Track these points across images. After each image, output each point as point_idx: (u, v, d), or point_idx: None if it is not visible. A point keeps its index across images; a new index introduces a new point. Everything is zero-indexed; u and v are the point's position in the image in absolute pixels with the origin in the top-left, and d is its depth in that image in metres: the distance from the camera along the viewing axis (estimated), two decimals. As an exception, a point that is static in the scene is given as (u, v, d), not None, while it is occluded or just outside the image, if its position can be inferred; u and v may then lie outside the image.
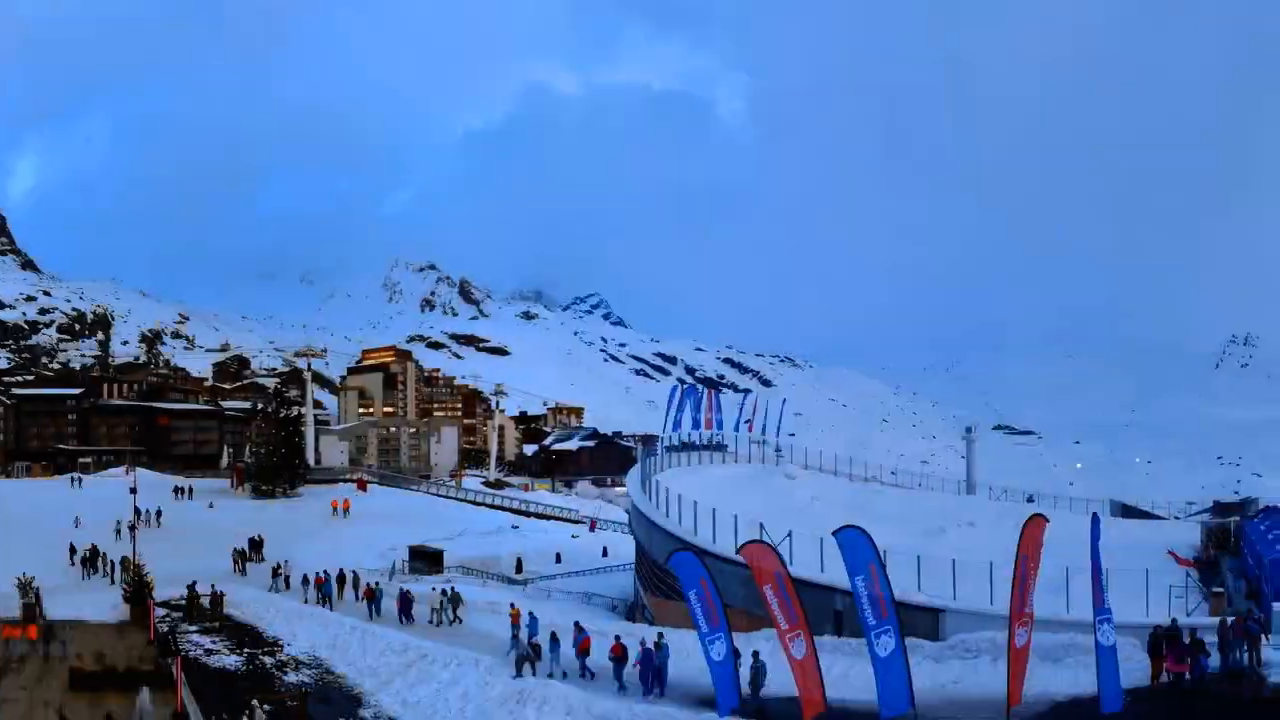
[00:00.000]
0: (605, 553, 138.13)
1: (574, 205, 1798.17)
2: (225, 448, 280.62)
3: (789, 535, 62.01)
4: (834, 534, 43.58)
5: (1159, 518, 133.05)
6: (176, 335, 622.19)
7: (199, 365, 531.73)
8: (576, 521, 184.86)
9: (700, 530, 69.82)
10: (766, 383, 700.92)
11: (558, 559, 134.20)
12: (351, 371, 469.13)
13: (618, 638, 56.12)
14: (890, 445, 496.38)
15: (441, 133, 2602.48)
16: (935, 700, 48.29)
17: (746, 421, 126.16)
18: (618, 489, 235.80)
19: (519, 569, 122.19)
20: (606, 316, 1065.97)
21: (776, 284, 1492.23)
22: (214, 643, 65.74)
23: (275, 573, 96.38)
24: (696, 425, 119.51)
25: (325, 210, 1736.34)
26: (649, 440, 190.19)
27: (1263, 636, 48.96)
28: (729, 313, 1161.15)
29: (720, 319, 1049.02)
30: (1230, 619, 51.07)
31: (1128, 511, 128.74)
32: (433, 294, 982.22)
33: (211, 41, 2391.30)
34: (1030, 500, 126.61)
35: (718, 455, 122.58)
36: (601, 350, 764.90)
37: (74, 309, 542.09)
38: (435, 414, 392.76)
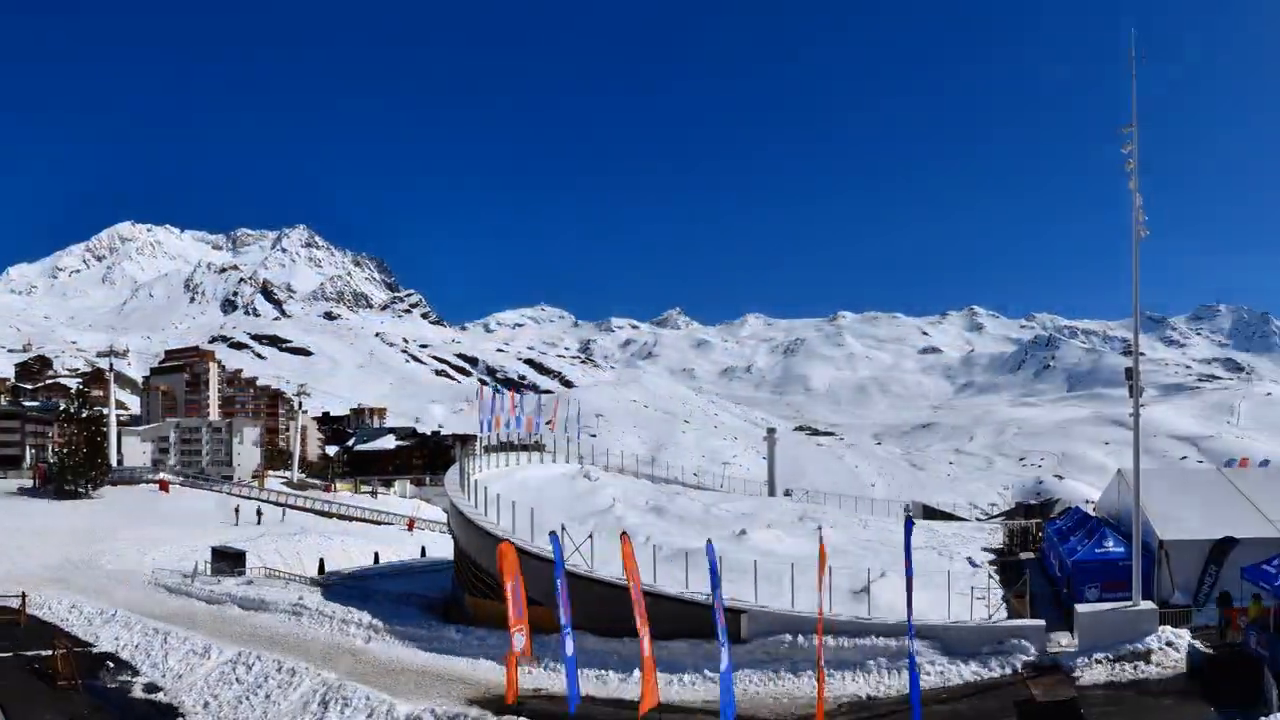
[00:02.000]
0: (424, 552, 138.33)
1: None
2: (28, 448, 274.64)
3: (590, 536, 62.24)
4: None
5: (961, 519, 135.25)
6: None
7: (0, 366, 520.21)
8: (387, 523, 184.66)
9: (518, 529, 69.70)
10: (568, 383, 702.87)
11: (375, 559, 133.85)
12: (155, 372, 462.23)
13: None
14: (692, 446, 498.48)
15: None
16: (742, 703, 48.62)
17: (548, 422, 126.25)
18: (434, 488, 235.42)
19: (320, 569, 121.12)
20: (425, 316, 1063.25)
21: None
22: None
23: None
24: (508, 425, 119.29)
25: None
26: (466, 440, 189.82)
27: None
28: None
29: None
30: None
31: (929, 513, 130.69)
32: (235, 294, 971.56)
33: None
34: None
35: (524, 456, 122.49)
36: (403, 352, 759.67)
37: None
38: (238, 414, 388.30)
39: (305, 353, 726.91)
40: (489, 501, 75.39)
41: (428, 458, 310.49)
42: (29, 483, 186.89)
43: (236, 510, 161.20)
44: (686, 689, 53.17)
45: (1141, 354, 61.46)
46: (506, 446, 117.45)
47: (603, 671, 55.84)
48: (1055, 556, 75.05)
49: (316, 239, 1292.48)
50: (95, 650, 63.03)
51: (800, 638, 54.74)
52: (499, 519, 71.97)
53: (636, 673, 52.58)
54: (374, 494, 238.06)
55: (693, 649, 55.85)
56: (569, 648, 45.18)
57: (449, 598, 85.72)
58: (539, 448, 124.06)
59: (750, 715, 48.11)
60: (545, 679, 55.44)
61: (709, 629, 52.77)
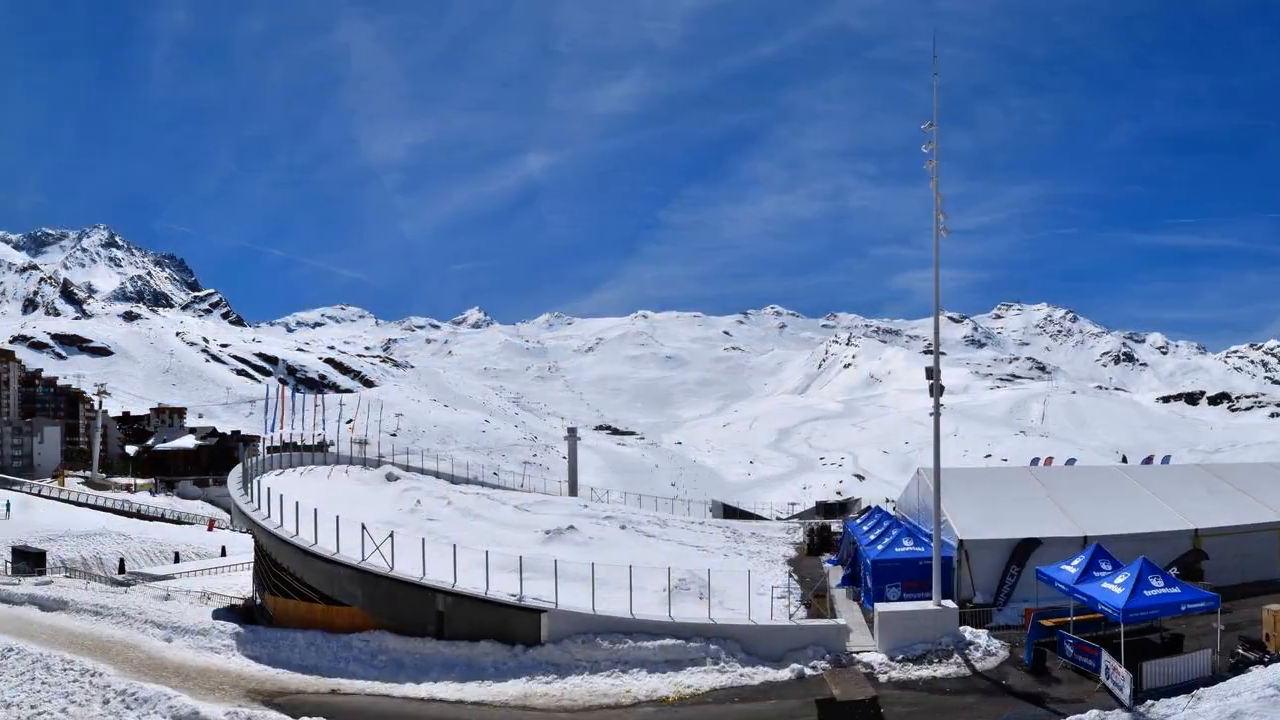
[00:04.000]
0: (224, 552, 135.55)
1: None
2: None
3: (390, 536, 61.05)
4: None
5: (762, 518, 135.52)
6: None
7: None
8: (188, 523, 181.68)
9: (303, 532, 68.21)
10: (369, 383, 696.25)
11: (176, 558, 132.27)
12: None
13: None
14: (493, 445, 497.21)
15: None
16: (540, 703, 48.21)
17: (348, 422, 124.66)
18: (219, 489, 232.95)
19: (121, 569, 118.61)
20: (226, 315, 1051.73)
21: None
22: None
23: None
24: (306, 425, 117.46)
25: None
26: (251, 440, 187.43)
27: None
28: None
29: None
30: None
31: (729, 512, 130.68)
32: (36, 294, 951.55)
33: None
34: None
35: (319, 456, 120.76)
36: (204, 351, 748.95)
37: None
38: (38, 414, 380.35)
39: (106, 352, 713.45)
40: (282, 503, 73.75)
41: (228, 458, 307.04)
42: None
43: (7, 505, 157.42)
44: (488, 689, 52.02)
45: (942, 353, 61.52)
46: (290, 447, 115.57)
47: (400, 669, 54.92)
48: (856, 555, 75.17)
49: (117, 239, 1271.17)
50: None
51: (601, 638, 53.97)
52: (287, 519, 70.37)
53: (433, 670, 52.98)
54: (174, 494, 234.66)
55: (494, 648, 55.02)
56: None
57: (249, 597, 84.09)
58: (323, 448, 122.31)
59: (550, 713, 47.38)
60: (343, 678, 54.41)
61: (512, 629, 52.04)
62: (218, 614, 74.15)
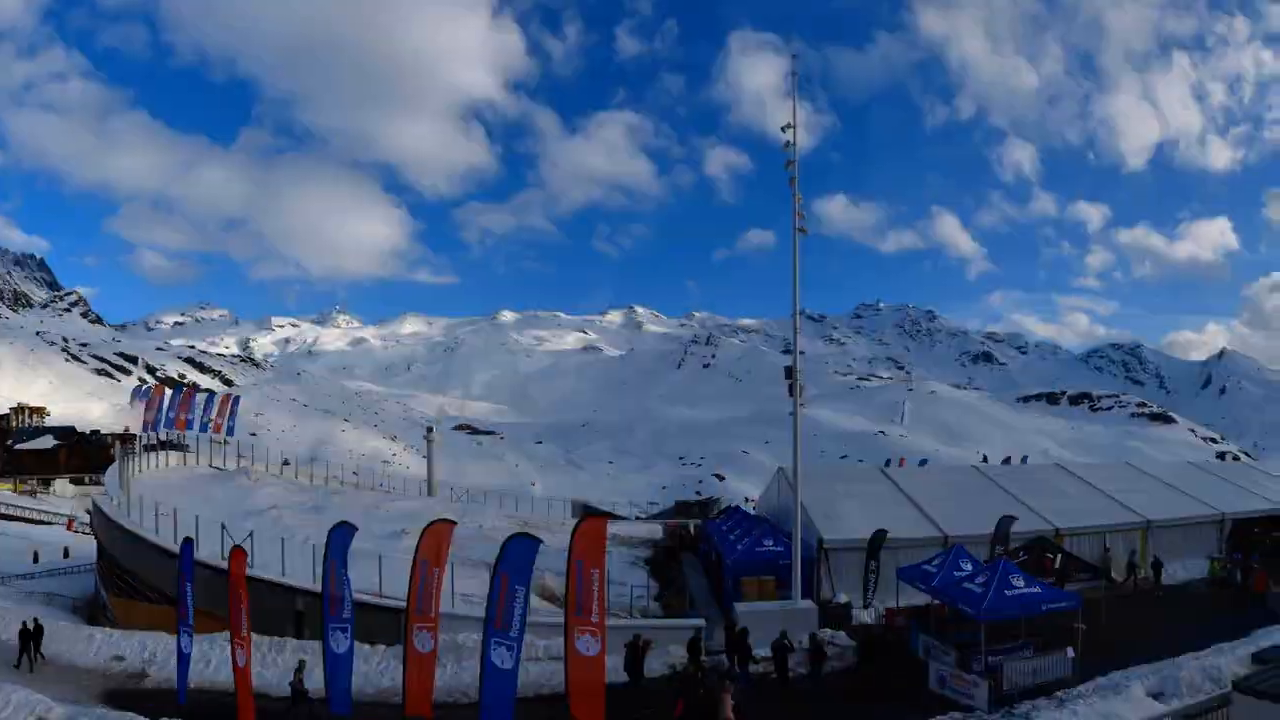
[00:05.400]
0: (66, 553, 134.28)
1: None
2: None
3: (250, 535, 60.09)
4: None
5: (622, 517, 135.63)
6: None
7: None
8: (47, 523, 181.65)
9: (163, 531, 66.98)
10: (229, 382, 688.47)
11: (35, 558, 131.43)
12: None
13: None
14: (352, 445, 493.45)
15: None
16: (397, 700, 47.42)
17: (211, 421, 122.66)
18: (96, 488, 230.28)
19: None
20: (85, 315, 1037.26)
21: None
22: None
23: None
24: (169, 425, 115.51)
25: None
26: (123, 439, 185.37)
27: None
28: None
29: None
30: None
31: (589, 511, 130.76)
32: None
33: None
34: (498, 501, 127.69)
35: (179, 456, 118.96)
36: (64, 350, 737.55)
37: None
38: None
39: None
40: (140, 502, 72.55)
41: (88, 457, 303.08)
42: None
43: None
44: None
45: (802, 352, 61.54)
46: (159, 446, 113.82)
47: (260, 670, 53.44)
48: (715, 555, 75.13)
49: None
50: None
51: (461, 636, 53.72)
52: (147, 519, 69.13)
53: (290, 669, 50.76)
54: (34, 493, 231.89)
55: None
56: (184, 644, 46.50)
57: (92, 598, 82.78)
58: (183, 447, 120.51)
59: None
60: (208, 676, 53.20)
61: (373, 628, 51.40)
62: (62, 614, 72.94)
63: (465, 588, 57.70)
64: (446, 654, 51.51)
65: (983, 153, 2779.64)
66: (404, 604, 43.77)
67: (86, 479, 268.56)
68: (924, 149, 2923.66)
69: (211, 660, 53.57)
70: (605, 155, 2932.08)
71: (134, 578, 64.43)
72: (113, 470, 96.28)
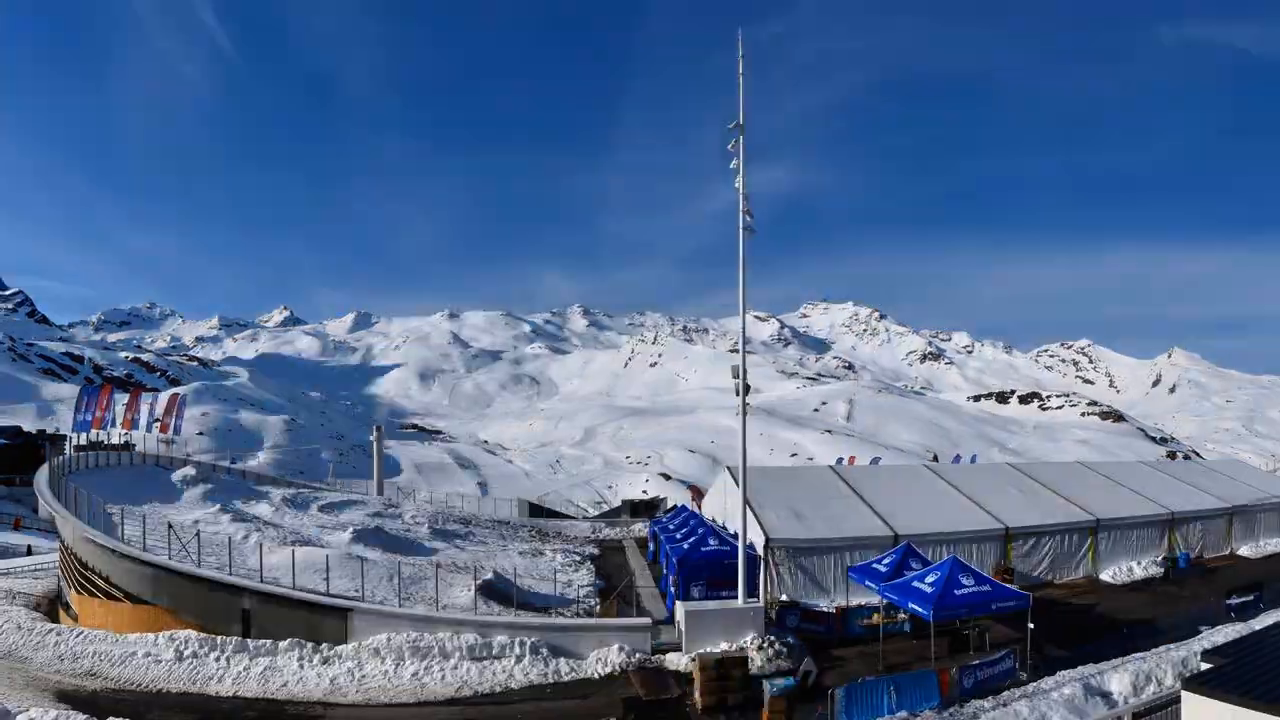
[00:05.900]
0: (29, 551, 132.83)
1: None
2: None
3: (197, 535, 59.68)
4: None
5: (569, 517, 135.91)
6: None
7: None
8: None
9: (114, 530, 66.66)
10: (176, 381, 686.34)
11: None
12: None
13: None
14: (301, 445, 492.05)
15: None
16: (344, 699, 48.16)
17: (156, 421, 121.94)
18: (26, 489, 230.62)
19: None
20: (31, 314, 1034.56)
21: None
22: None
23: None
24: (113, 424, 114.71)
25: None
26: (58, 440, 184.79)
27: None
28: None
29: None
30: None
31: (536, 511, 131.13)
32: None
33: None
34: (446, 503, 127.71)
35: (126, 456, 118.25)
36: (10, 350, 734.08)
37: None
38: None
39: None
40: (90, 501, 72.22)
41: (35, 457, 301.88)
42: None
43: None
44: (293, 686, 50.96)
45: (750, 352, 61.45)
46: (100, 446, 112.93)
47: (205, 666, 53.21)
48: (662, 554, 75.00)
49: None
50: None
51: (408, 635, 53.16)
52: (90, 520, 68.80)
53: (238, 668, 51.84)
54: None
55: (301, 646, 53.83)
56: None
57: (54, 595, 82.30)
58: (129, 448, 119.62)
59: (356, 708, 47.10)
60: (159, 676, 52.36)
61: (319, 627, 51.27)
62: (21, 613, 72.30)
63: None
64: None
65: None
66: (347, 604, 43.33)
67: (17, 480, 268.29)
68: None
69: (163, 659, 53.04)
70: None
71: (97, 575, 64.04)
72: (43, 470, 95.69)
